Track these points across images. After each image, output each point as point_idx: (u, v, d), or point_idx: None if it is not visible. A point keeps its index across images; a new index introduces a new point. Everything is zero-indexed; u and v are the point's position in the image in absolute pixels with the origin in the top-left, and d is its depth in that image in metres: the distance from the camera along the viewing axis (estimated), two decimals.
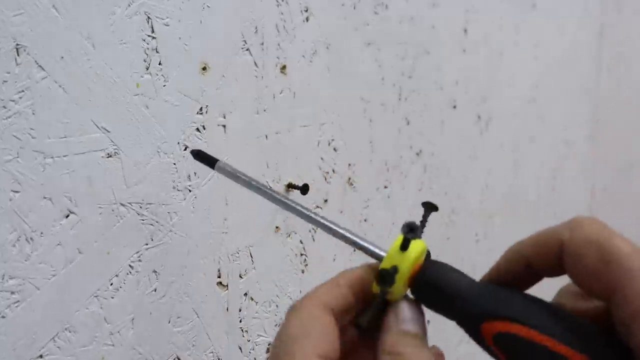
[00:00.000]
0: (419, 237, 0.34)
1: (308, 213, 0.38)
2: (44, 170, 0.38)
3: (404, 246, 0.34)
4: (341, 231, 0.37)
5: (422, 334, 0.33)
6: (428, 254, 0.36)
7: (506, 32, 0.92)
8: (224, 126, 0.50)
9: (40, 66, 0.37)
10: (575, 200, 1.21)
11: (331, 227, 0.37)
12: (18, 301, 0.37)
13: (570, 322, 0.31)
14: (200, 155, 0.45)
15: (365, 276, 0.35)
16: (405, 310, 0.34)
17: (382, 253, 0.35)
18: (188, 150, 0.47)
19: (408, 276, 0.34)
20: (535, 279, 0.34)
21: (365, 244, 0.36)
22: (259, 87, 0.52)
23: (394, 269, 0.33)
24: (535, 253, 0.33)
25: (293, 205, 0.39)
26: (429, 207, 0.37)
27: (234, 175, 0.42)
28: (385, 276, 0.33)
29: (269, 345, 0.57)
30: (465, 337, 0.34)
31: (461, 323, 0.34)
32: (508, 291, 0.33)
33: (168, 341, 0.47)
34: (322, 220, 0.38)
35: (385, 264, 0.34)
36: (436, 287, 0.34)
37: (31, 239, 0.38)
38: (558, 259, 0.32)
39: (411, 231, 0.33)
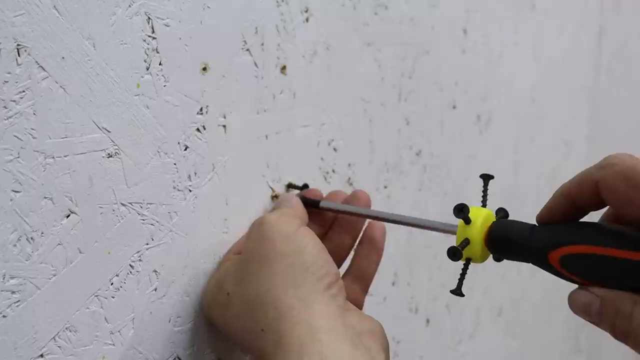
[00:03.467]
0: (467, 216, 0.41)
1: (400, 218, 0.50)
2: (45, 170, 0.38)
3: (466, 221, 0.41)
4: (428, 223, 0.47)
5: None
6: (505, 213, 0.45)
7: (506, 33, 0.92)
8: (224, 126, 0.50)
9: (41, 66, 0.37)
10: None
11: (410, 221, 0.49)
12: (19, 301, 0.38)
13: (624, 233, 0.36)
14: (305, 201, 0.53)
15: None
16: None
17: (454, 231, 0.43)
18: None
19: (482, 240, 0.41)
20: (581, 214, 0.40)
21: (440, 226, 0.46)
22: (259, 87, 0.53)
23: (465, 242, 0.41)
24: (577, 192, 0.39)
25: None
26: (486, 177, 0.49)
27: (338, 210, 0.52)
28: (453, 252, 0.40)
29: None
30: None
31: (531, 261, 0.40)
32: (561, 224, 0.40)
33: (169, 340, 0.47)
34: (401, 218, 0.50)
35: (457, 240, 0.41)
36: (503, 239, 0.41)
37: (32, 238, 0.38)
38: (596, 194, 0.38)
39: (460, 212, 0.41)
